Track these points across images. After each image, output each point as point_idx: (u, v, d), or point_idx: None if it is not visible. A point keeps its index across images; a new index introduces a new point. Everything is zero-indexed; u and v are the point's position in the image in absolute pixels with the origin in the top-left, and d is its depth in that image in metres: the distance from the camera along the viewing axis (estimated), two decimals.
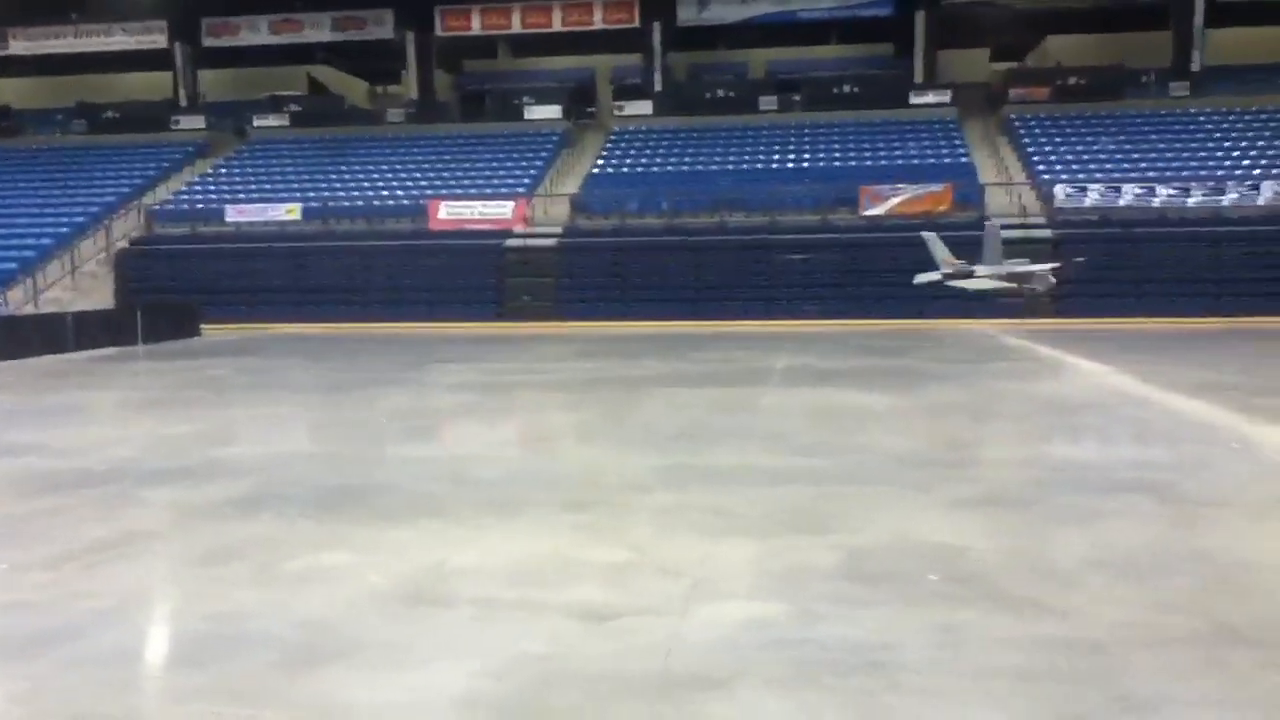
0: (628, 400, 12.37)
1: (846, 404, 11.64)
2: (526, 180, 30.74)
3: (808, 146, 31.54)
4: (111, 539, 6.04)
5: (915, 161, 29.36)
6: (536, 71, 39.26)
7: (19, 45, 37.80)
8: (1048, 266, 22.75)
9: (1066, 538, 5.91)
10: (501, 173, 31.46)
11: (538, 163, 32.00)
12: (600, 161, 31.87)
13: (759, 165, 30.59)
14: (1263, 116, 30.31)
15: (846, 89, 34.20)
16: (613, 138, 33.35)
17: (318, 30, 37.05)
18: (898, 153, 30.26)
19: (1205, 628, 4.46)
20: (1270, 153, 28.55)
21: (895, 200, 27.19)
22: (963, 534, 5.98)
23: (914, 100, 32.94)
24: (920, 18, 34.48)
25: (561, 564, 5.50)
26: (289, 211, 29.79)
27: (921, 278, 22.75)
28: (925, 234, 22.95)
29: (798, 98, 33.97)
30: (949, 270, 22.29)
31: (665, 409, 11.56)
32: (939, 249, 22.44)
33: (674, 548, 5.77)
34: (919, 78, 34.33)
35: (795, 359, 16.93)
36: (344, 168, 32.92)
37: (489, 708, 3.78)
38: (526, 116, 34.57)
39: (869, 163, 29.71)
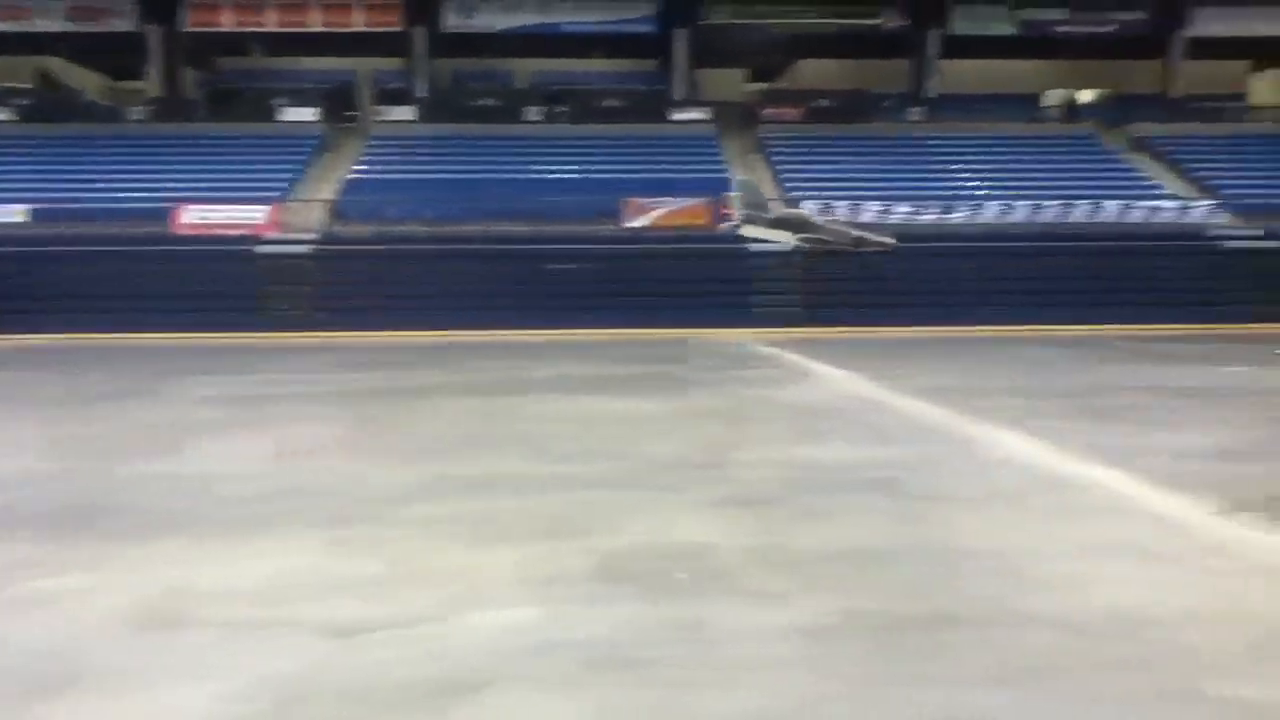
0: (389, 412, 12.17)
1: (609, 411, 11.89)
2: (281, 184, 29.62)
3: (573, 158, 31.94)
4: None
5: (676, 175, 30.27)
6: (294, 72, 37.88)
7: None
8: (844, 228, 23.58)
9: (807, 533, 6.30)
10: (254, 176, 30.16)
11: (293, 166, 30.90)
12: (360, 167, 31.13)
13: (525, 175, 30.73)
14: (988, 142, 33.08)
15: (610, 103, 34.90)
16: (373, 143, 32.65)
17: (49, 19, 34.38)
18: (660, 167, 31.10)
19: (928, 614, 4.86)
20: (995, 175, 31.19)
21: (657, 213, 27.97)
22: (711, 533, 6.26)
23: (675, 116, 33.98)
24: (680, 36, 35.61)
25: (315, 580, 5.38)
26: (17, 214, 27.48)
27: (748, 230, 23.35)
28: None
29: (563, 109, 34.35)
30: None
31: (428, 420, 11.45)
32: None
33: (433, 559, 5.76)
34: (679, 95, 35.45)
35: (560, 368, 17.12)
36: (80, 167, 30.70)
37: None
38: (281, 118, 33.33)
39: (632, 175, 30.38)
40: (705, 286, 26.41)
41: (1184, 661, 4.25)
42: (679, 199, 28.26)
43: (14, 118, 32.90)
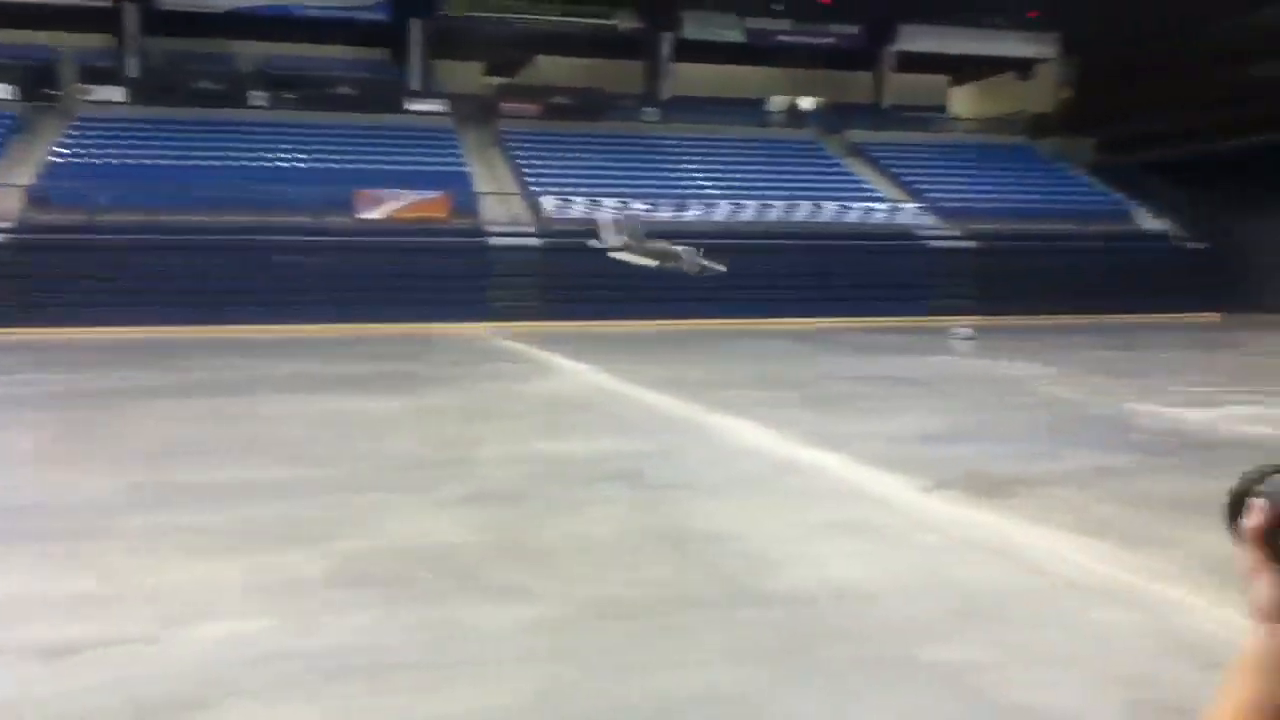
0: (101, 416, 11.26)
1: (346, 410, 11.50)
2: None
3: (302, 146, 30.63)
4: None
5: (413, 168, 29.62)
6: None
7: None
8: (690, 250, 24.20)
9: (551, 527, 6.34)
10: None
11: None
12: (63, 150, 28.61)
13: (250, 163, 29.18)
14: (719, 144, 34.38)
15: (343, 90, 33.69)
16: (78, 124, 30.07)
17: None
18: (395, 158, 30.34)
19: (669, 598, 5.01)
20: (725, 176, 32.45)
21: (393, 205, 27.27)
22: (456, 531, 6.19)
23: (411, 107, 33.24)
24: (416, 26, 34.88)
25: (22, 600, 4.92)
26: None
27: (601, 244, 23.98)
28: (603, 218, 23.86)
29: (292, 95, 32.86)
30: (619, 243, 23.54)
31: (145, 424, 10.68)
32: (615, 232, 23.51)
33: (153, 572, 5.38)
34: (415, 85, 34.71)
35: (293, 366, 16.40)
36: None
37: None
38: None
39: (366, 166, 29.49)
40: (444, 281, 26.00)
41: (899, 630, 4.58)
42: (416, 191, 27.66)
43: None
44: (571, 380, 14.76)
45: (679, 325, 25.05)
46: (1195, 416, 10.63)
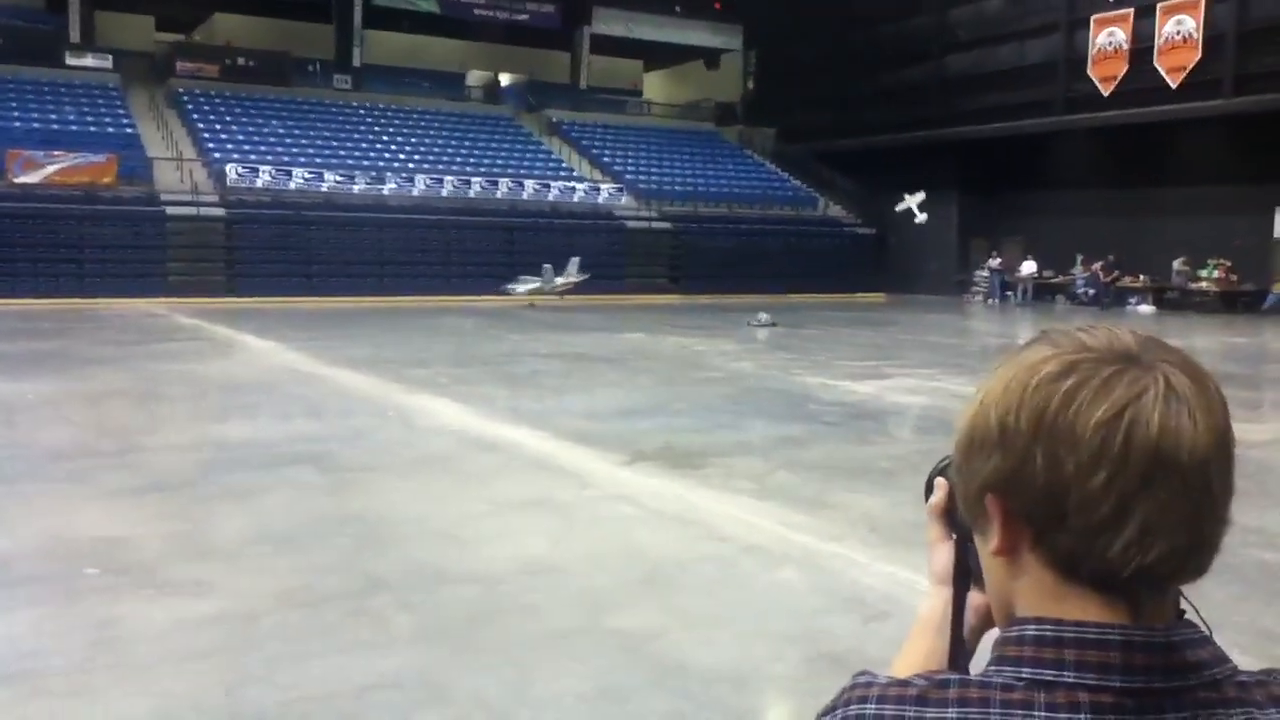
0: None
1: None
2: None
3: None
4: None
5: (74, 128, 27.00)
6: None
7: None
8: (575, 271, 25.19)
9: (229, 516, 6.00)
10: None
11: None
12: None
13: None
14: (415, 115, 33.62)
15: None
16: None
17: None
18: (53, 117, 27.54)
19: (355, 583, 4.86)
20: (422, 149, 31.80)
21: (52, 168, 24.73)
22: (124, 524, 5.74)
23: (71, 61, 30.23)
24: None
25: None
26: None
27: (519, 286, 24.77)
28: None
29: None
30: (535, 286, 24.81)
31: None
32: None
33: None
34: (75, 37, 31.58)
35: None
36: None
37: None
38: None
39: (18, 125, 26.60)
40: (113, 253, 23.95)
41: (585, 601, 4.68)
42: (78, 154, 25.22)
43: None
44: (256, 359, 14.03)
45: (371, 302, 24.43)
46: (862, 389, 11.54)
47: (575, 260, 25.56)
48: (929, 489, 0.89)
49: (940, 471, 0.88)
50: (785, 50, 36.68)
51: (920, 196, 28.89)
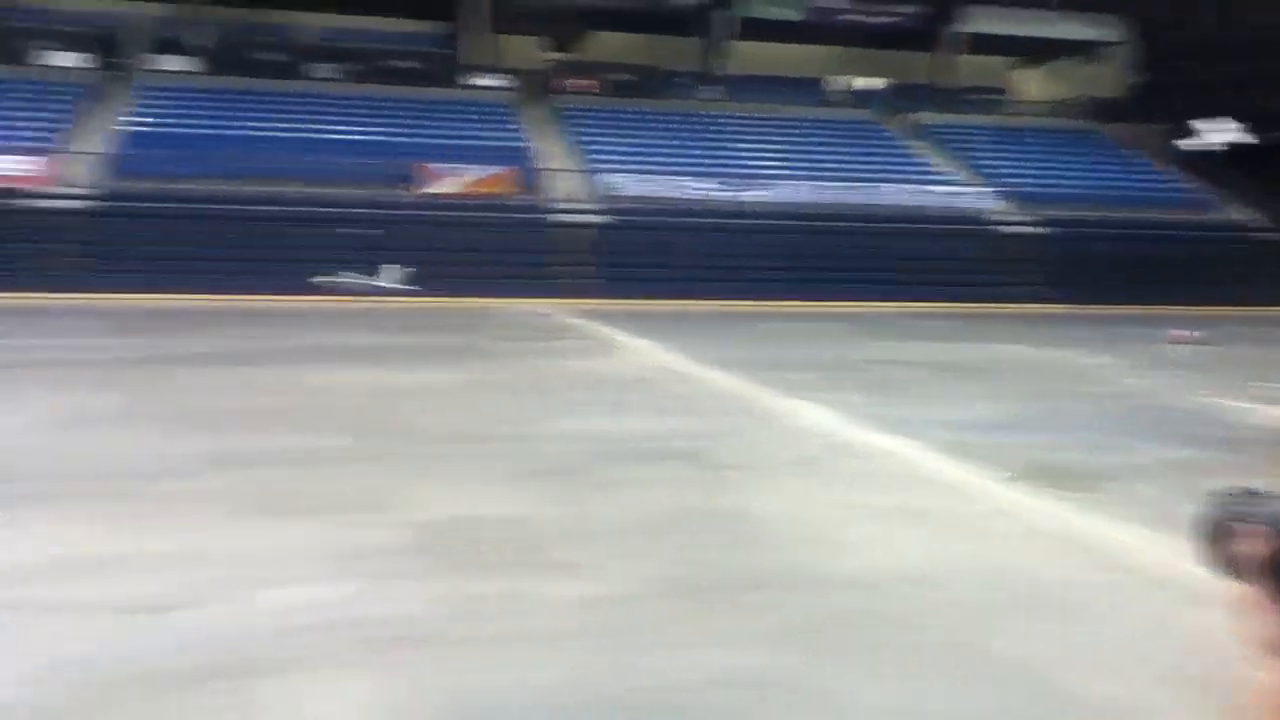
0: (160, 380, 11.43)
1: (400, 383, 11.55)
2: (45, 134, 27.26)
3: (362, 119, 30.80)
4: None
5: (474, 143, 29.70)
6: (58, 12, 34.82)
7: None
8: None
9: (611, 504, 6.31)
10: (13, 124, 27.61)
11: (57, 115, 28.49)
12: (131, 119, 29.03)
13: (311, 134, 29.40)
14: (778, 123, 34.02)
15: (401, 64, 33.82)
16: (146, 93, 30.49)
17: None
18: (456, 133, 30.42)
19: (728, 578, 4.94)
20: (785, 156, 32.14)
21: (458, 180, 27.39)
22: (518, 506, 6.18)
23: (469, 81, 33.30)
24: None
25: (100, 557, 5.03)
26: None
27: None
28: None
29: (351, 68, 33.06)
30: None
31: (203, 390, 10.82)
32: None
33: (222, 535, 5.45)
34: (474, 59, 34.74)
35: (349, 337, 16.52)
36: None
37: (34, 712, 3.41)
38: (43, 62, 30.63)
39: (426, 140, 29.61)
40: (504, 256, 26.07)
41: (969, 617, 4.47)
42: (475, 166, 27.77)
43: None
44: (632, 357, 14.70)
45: (737, 306, 24.89)
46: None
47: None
48: (1215, 533, 0.69)
49: (1237, 514, 0.68)
50: (1176, 39, 33.57)
51: None
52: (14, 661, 3.83)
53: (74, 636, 4.06)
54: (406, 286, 24.64)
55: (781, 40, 37.24)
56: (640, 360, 14.36)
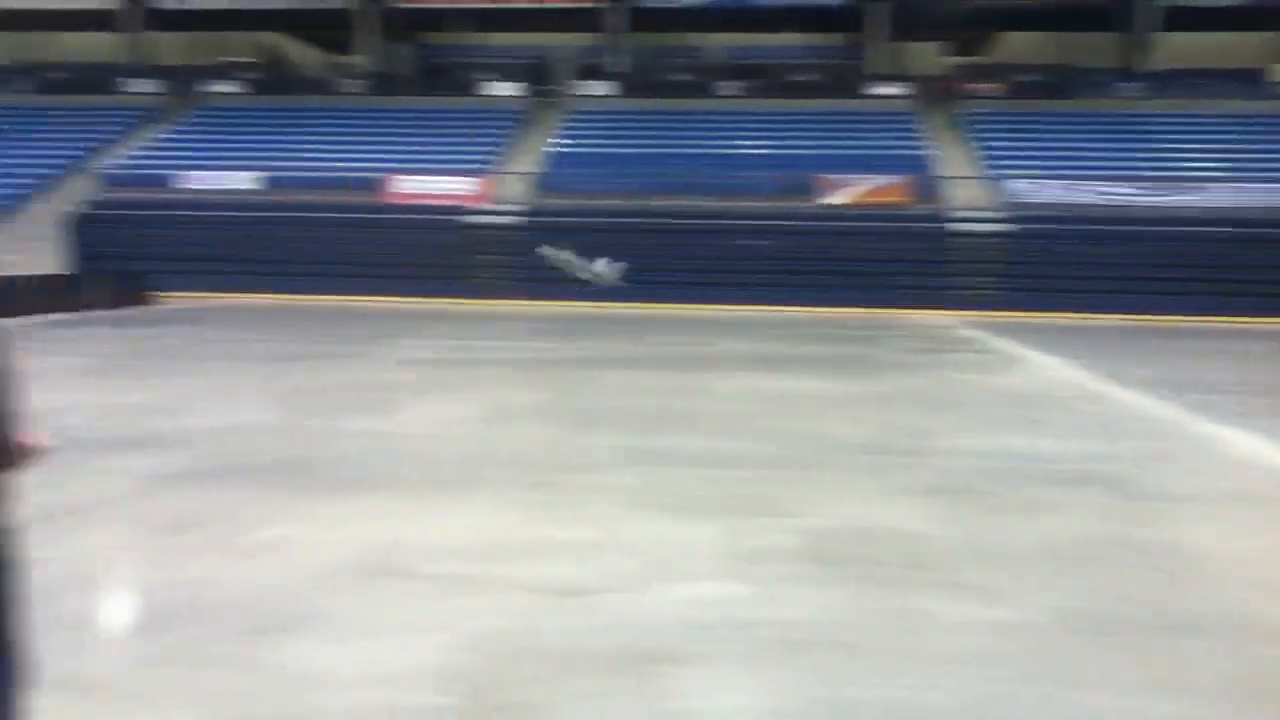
0: (583, 381, 12.37)
1: (803, 391, 11.73)
2: (485, 156, 30.49)
3: (765, 133, 31.63)
4: (77, 505, 5.96)
5: (873, 152, 29.55)
6: (495, 47, 38.85)
7: None
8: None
9: (1016, 527, 6.04)
10: (459, 148, 31.16)
11: (496, 139, 31.75)
12: (558, 140, 31.72)
13: (717, 150, 30.62)
14: (1213, 120, 30.89)
15: (802, 77, 34.33)
16: (571, 117, 33.19)
17: None
18: (855, 142, 30.43)
19: (1151, 618, 4.58)
20: (1218, 156, 29.14)
21: (855, 190, 27.39)
22: (917, 521, 6.08)
23: (869, 91, 33.15)
24: (876, 9, 34.70)
25: (521, 542, 5.51)
26: (243, 180, 29.31)
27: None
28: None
29: (755, 84, 34.04)
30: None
31: (621, 391, 11.58)
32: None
33: (635, 527, 5.81)
34: (875, 68, 34.55)
35: (752, 345, 17.02)
36: (299, 138, 32.42)
37: (459, 679, 3.80)
38: (484, 92, 34.26)
39: (827, 151, 29.86)
40: (902, 267, 25.73)
41: None
42: (875, 176, 27.62)
43: (242, 90, 35.02)
44: (1037, 373, 13.98)
45: (1150, 320, 22.93)
46: None
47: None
48: None
49: None
50: None
51: None
52: (439, 631, 4.25)
53: (494, 612, 4.47)
54: (611, 279, 25.83)
55: (1213, 29, 33.82)
56: (1048, 376, 13.60)
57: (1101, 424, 9.73)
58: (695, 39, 38.27)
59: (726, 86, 34.01)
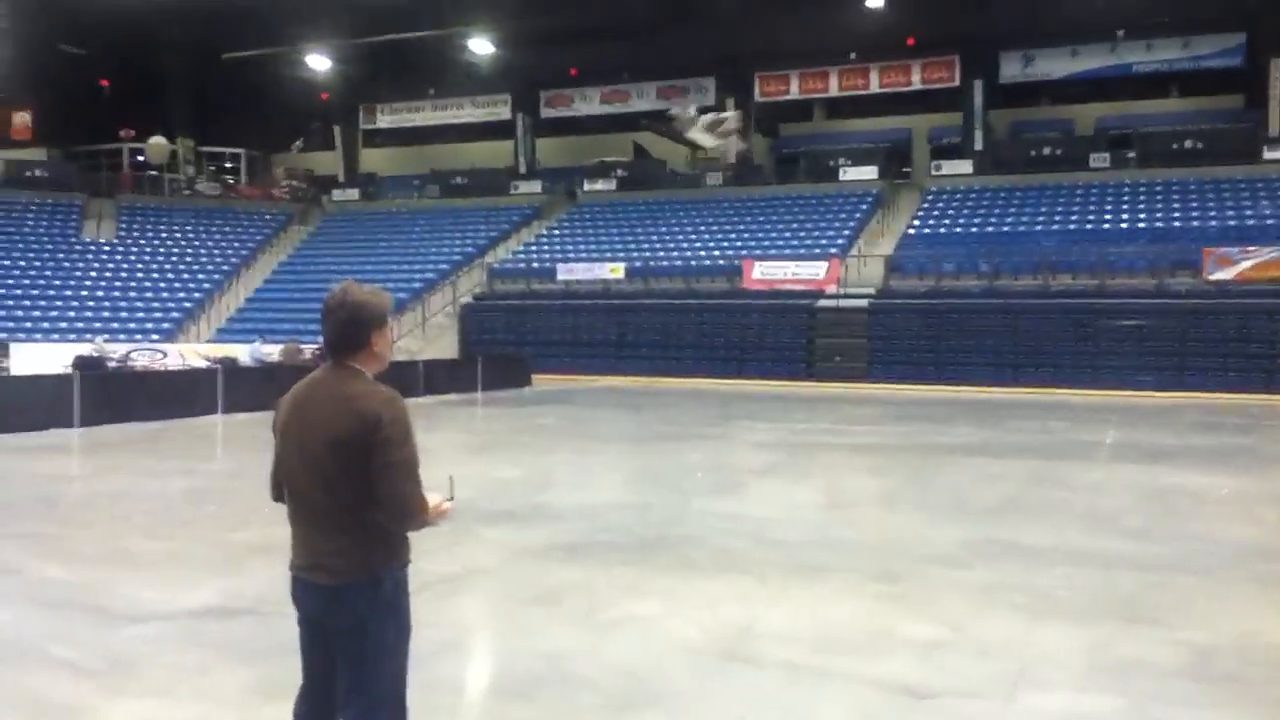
0: (936, 467, 12.04)
1: (1182, 485, 10.74)
2: (840, 241, 30.70)
3: (1142, 205, 29.57)
4: (452, 574, 6.62)
5: (1269, 222, 26.81)
6: (851, 133, 39.19)
7: (385, 120, 42.41)
8: None
9: None
10: (815, 233, 31.63)
11: (851, 223, 31.92)
12: (915, 222, 31.36)
13: (1086, 225, 28.99)
14: None
15: (1187, 144, 31.79)
16: (929, 198, 32.74)
17: (643, 99, 38.94)
18: (1248, 212, 27.74)
19: None
20: None
21: (1246, 264, 24.87)
22: None
23: (1267, 155, 30.14)
24: (1276, 66, 31.62)
25: (871, 634, 5.45)
26: (613, 270, 31.35)
27: None
28: None
29: (1131, 154, 31.95)
30: None
31: (976, 479, 11.16)
32: None
33: (991, 627, 5.57)
34: (1274, 131, 31.42)
35: (1122, 433, 15.82)
36: (664, 229, 34.30)
37: None
38: (841, 178, 34.60)
39: (1213, 223, 27.43)
40: None
41: None
42: (1271, 247, 24.94)
43: (611, 187, 37.67)
44: None
45: None
46: None
47: None
48: None
49: None
50: None
51: None
52: (790, 718, 4.28)
53: (842, 706, 4.43)
54: None
55: None
56: None
57: None
58: (1064, 111, 36.68)
59: (1099, 158, 32.23)
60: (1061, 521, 8.66)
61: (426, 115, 41.73)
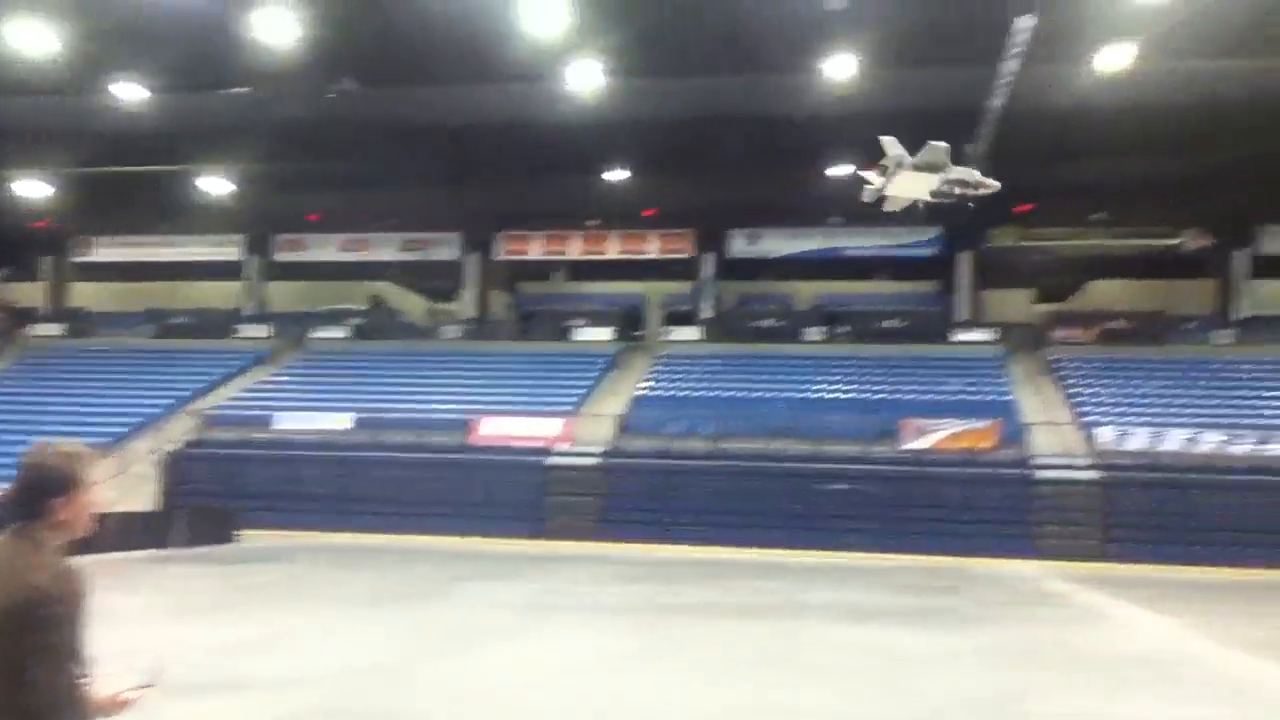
0: (672, 630, 12.14)
1: (890, 644, 11.33)
2: (573, 399, 31.20)
3: (852, 377, 31.91)
4: None
5: (960, 397, 29.52)
6: (589, 295, 40.51)
7: (103, 253, 39.96)
8: None
9: None
10: (549, 391, 32.00)
11: (585, 382, 32.55)
12: (647, 384, 32.42)
13: (804, 394, 30.91)
14: None
15: (890, 323, 34.93)
16: (660, 361, 34.03)
17: (385, 249, 38.79)
18: (942, 388, 30.49)
19: None
20: None
21: (939, 435, 27.19)
22: None
23: (957, 337, 33.51)
24: (965, 258, 35.53)
25: None
26: (339, 421, 30.30)
27: None
28: None
29: (843, 330, 34.71)
30: None
31: (711, 641, 11.34)
32: None
33: None
34: (963, 315, 35.06)
35: (838, 594, 16.62)
36: (397, 381, 33.69)
37: None
38: (576, 338, 35.50)
39: (913, 396, 29.95)
40: (987, 514, 25.13)
41: None
42: (961, 420, 27.46)
43: (345, 335, 36.87)
44: (1134, 631, 13.34)
45: (1254, 574, 21.83)
46: None
47: None
48: None
49: None
50: None
51: None
52: None
53: None
54: None
55: None
56: (1141, 635, 12.98)
57: (1204, 690, 9.17)
58: (785, 287, 39.49)
59: (814, 332, 34.75)
60: (799, 684, 8.93)
61: (150, 250, 39.69)
